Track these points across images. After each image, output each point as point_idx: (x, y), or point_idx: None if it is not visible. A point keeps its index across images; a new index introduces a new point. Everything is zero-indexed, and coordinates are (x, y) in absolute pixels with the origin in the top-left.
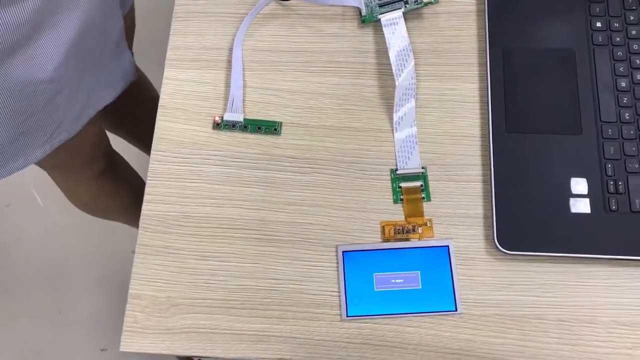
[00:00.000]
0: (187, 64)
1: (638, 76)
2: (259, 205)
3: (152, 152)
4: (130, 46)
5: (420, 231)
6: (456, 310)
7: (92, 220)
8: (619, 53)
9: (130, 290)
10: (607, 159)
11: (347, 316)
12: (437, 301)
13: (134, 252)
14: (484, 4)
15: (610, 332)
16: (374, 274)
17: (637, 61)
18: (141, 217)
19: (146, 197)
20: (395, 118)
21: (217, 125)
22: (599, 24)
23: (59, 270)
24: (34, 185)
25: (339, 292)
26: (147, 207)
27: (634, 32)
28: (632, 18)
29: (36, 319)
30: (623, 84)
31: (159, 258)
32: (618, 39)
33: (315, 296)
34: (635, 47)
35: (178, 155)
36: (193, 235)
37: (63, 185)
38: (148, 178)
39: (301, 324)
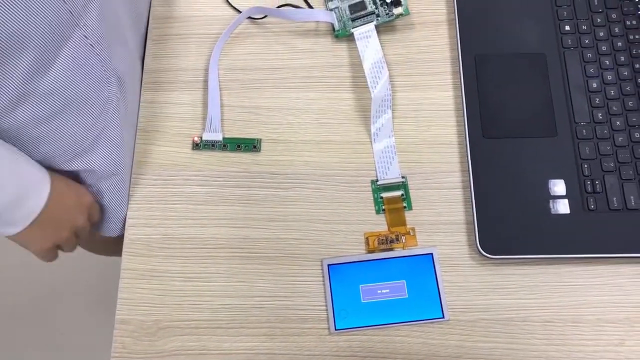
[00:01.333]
0: (164, 86)
1: (608, 76)
2: (242, 223)
3: (132, 176)
4: None
5: (403, 240)
6: (443, 317)
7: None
8: (589, 55)
9: (116, 316)
10: (583, 159)
11: (335, 329)
12: (424, 309)
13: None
14: (454, 12)
15: (596, 330)
16: (360, 285)
17: (607, 62)
18: (124, 242)
19: (129, 222)
20: (372, 129)
21: (196, 146)
22: (567, 28)
23: (47, 300)
24: None
25: (326, 305)
26: (130, 232)
27: (601, 34)
28: (599, 20)
29: (26, 350)
30: (594, 85)
31: (144, 282)
32: (587, 41)
33: (302, 311)
34: (604, 48)
35: (159, 178)
36: (177, 257)
37: None
38: (130, 202)
39: (290, 340)
